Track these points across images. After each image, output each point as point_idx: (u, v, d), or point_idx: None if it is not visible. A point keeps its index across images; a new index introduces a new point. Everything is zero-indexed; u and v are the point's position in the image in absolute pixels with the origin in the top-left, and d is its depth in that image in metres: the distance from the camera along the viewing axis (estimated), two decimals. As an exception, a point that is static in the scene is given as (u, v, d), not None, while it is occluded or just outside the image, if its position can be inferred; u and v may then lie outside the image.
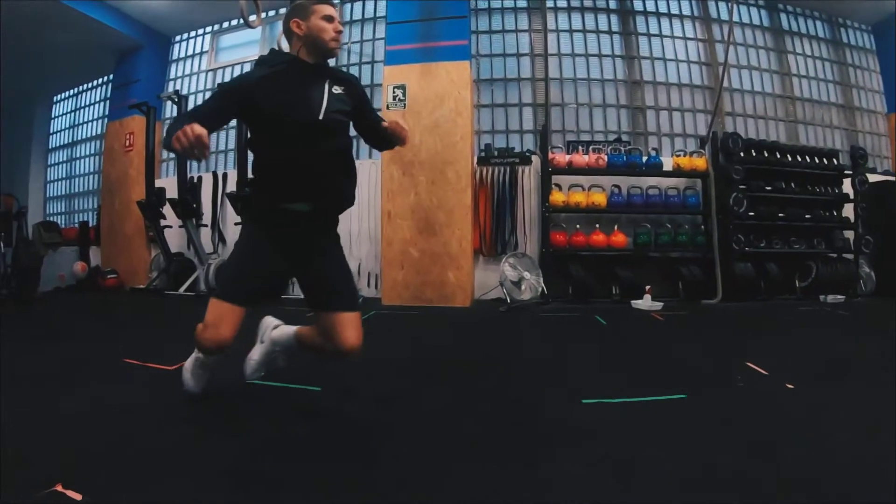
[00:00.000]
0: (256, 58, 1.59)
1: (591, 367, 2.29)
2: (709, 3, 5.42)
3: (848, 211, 4.96)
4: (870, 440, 1.30)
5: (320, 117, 1.45)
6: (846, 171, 5.00)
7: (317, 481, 1.13)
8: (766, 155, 4.80)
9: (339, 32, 1.50)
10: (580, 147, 4.64)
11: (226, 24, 6.05)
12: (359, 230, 4.97)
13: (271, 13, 5.69)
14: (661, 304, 4.09)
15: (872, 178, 5.11)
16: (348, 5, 5.61)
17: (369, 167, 4.85)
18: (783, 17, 5.66)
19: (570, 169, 4.52)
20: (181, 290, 5.13)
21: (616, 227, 4.51)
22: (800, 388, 1.80)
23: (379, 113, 1.71)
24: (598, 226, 4.52)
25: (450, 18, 4.48)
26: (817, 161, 4.97)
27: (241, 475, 1.15)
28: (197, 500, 1.05)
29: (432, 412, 1.60)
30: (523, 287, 4.25)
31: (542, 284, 4.30)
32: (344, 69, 4.18)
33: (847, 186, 4.96)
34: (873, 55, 5.84)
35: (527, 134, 5.07)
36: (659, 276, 4.52)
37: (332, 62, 1.63)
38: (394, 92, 4.52)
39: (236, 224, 5.14)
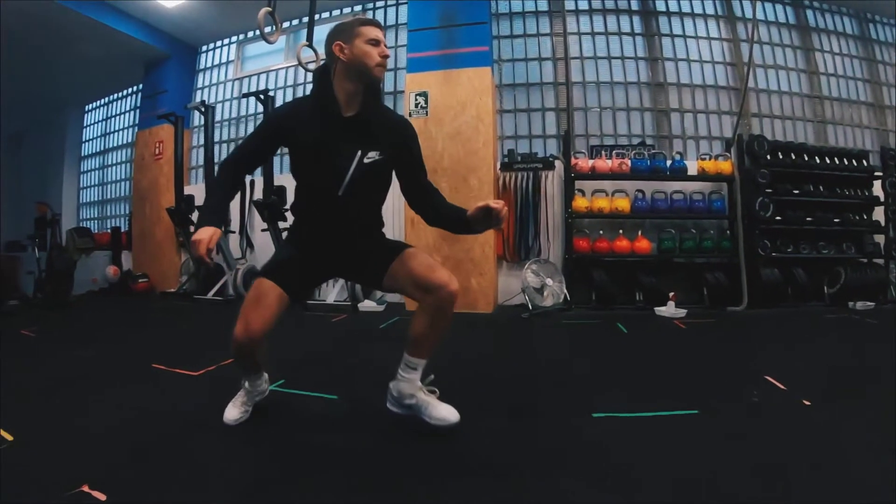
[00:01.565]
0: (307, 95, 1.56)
1: (606, 378, 2.29)
2: (733, 2, 5.33)
3: (879, 214, 4.84)
4: (880, 461, 1.29)
5: (339, 193, 1.43)
6: (876, 173, 4.89)
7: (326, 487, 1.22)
8: (793, 157, 4.73)
9: (385, 57, 1.42)
10: (603, 152, 4.62)
11: (251, 34, 6.16)
12: (382, 236, 5.07)
13: (294, 22, 5.78)
14: (685, 311, 4.06)
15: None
16: (369, 14, 5.67)
17: (392, 175, 4.91)
18: (809, 13, 5.53)
19: (594, 174, 4.52)
20: (209, 294, 5.28)
21: (640, 233, 4.49)
22: (816, 404, 1.78)
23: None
24: (621, 231, 4.51)
25: (470, 25, 4.51)
26: (846, 163, 4.88)
27: (255, 479, 1.27)
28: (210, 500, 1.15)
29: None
30: (545, 293, 4.27)
31: (565, 291, 4.31)
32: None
33: (878, 188, 4.85)
34: (904, 51, 5.68)
35: (550, 139, 5.08)
36: (684, 282, 4.48)
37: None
38: (416, 99, 4.57)
39: (263, 230, 5.27)
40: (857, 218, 4.85)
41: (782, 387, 2.00)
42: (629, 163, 4.49)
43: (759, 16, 5.40)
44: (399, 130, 1.50)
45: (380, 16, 5.62)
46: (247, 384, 1.65)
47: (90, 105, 7.79)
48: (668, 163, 4.57)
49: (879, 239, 4.83)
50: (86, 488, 1.16)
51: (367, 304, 4.52)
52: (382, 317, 4.12)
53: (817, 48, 5.47)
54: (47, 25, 5.18)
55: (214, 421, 1.62)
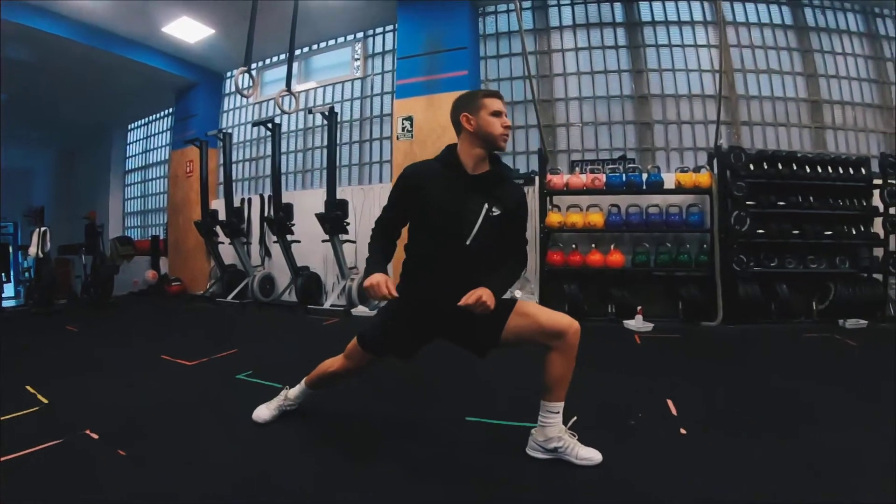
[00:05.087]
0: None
1: (508, 385, 2.44)
2: (722, 5, 5.24)
3: (879, 226, 4.59)
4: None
5: (468, 243, 1.53)
6: (876, 181, 4.70)
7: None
8: (780, 167, 4.64)
9: (508, 128, 1.55)
10: (577, 168, 4.80)
11: (268, 61, 6.73)
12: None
13: (275, 58, 6.28)
14: (652, 325, 4.18)
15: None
16: (370, 39, 6.06)
17: (379, 191, 5.34)
18: (808, 12, 5.34)
19: (569, 190, 4.70)
20: (229, 297, 5.94)
21: (613, 247, 4.64)
22: (693, 435, 1.81)
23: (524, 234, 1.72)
24: (593, 245, 4.67)
25: (451, 51, 4.80)
26: (841, 171, 4.69)
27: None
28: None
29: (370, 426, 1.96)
30: (520, 304, 4.55)
31: (537, 302, 4.57)
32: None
33: (878, 198, 4.60)
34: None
35: (533, 155, 5.29)
36: (659, 295, 4.60)
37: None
38: (402, 123, 4.94)
39: (275, 242, 5.85)
40: (853, 230, 4.63)
41: (674, 412, 2.04)
42: (603, 178, 4.64)
43: (752, 18, 5.31)
44: (518, 196, 1.64)
45: (370, 44, 6.00)
46: (291, 393, 1.96)
47: (132, 125, 8.74)
48: (645, 177, 4.66)
49: (879, 252, 4.58)
50: (87, 431, 1.81)
51: (361, 310, 4.98)
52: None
53: (816, 49, 5.30)
54: (91, 62, 5.99)
55: (194, 400, 2.26)
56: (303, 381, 1.94)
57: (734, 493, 1.40)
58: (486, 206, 1.52)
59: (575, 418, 1.67)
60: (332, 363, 1.83)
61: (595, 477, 1.52)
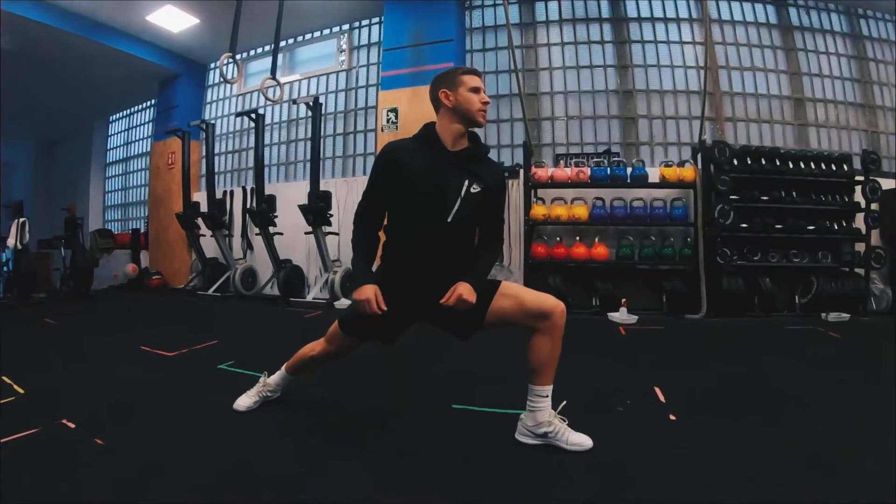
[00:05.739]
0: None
1: (492, 374, 2.44)
2: (708, 3, 5.28)
3: (862, 222, 4.61)
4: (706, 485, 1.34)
5: (449, 220, 1.51)
6: (858, 178, 4.74)
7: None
8: (763, 163, 4.67)
9: (486, 104, 1.55)
10: (561, 160, 4.78)
11: (252, 52, 6.65)
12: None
13: (259, 50, 6.25)
14: (637, 317, 4.17)
15: (893, 184, 4.81)
16: (356, 32, 6.02)
17: (363, 184, 5.26)
18: (792, 11, 5.39)
19: (553, 183, 4.68)
20: (210, 290, 5.83)
21: (597, 240, 4.63)
22: (682, 420, 1.81)
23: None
24: (578, 238, 4.65)
25: (436, 43, 4.77)
26: (824, 167, 4.74)
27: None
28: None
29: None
30: (503, 297, 4.51)
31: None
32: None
33: (860, 194, 4.65)
34: (898, 48, 5.46)
35: (518, 148, 5.26)
36: (644, 288, 4.59)
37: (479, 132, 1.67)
38: (387, 115, 4.89)
39: (257, 234, 5.76)
40: (835, 225, 4.68)
41: (662, 399, 2.04)
42: (588, 171, 4.62)
43: (737, 17, 5.36)
44: (497, 175, 1.63)
45: (356, 36, 5.96)
46: (271, 380, 1.92)
47: (114, 116, 8.60)
48: (629, 171, 4.66)
49: (861, 247, 4.62)
50: (64, 421, 1.76)
51: (343, 303, 4.91)
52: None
53: (800, 48, 5.35)
54: (73, 51, 5.87)
55: (174, 389, 2.23)
56: (283, 368, 1.92)
57: (724, 475, 1.39)
58: (466, 182, 1.51)
59: (564, 402, 1.64)
60: (313, 347, 1.80)
61: (586, 459, 1.50)
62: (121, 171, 8.40)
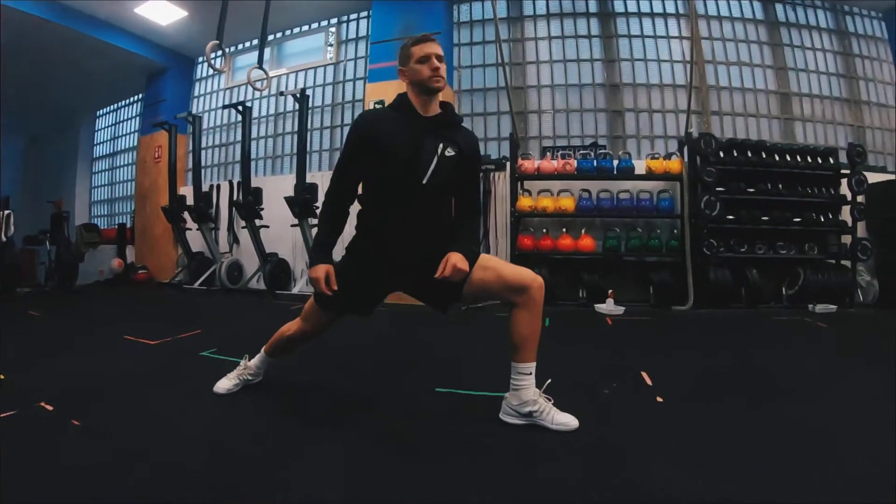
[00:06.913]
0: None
1: (479, 360, 2.46)
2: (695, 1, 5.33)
3: (848, 214, 4.66)
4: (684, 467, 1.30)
5: (424, 182, 1.51)
6: (844, 171, 4.77)
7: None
8: (749, 155, 4.68)
9: (435, 69, 1.52)
10: (548, 153, 4.77)
11: (240, 46, 6.62)
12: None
13: (247, 44, 6.29)
14: (624, 308, 4.15)
15: (879, 177, 4.84)
16: (343, 25, 6.01)
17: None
18: (779, 7, 5.43)
19: (540, 175, 4.66)
20: (195, 284, 5.77)
21: (584, 231, 4.61)
22: (670, 403, 1.81)
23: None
24: (564, 230, 4.64)
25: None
26: (810, 161, 4.77)
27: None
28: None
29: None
30: (489, 288, 4.47)
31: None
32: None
33: (846, 187, 4.67)
34: (884, 44, 5.49)
35: (505, 141, 5.26)
36: (631, 280, 4.58)
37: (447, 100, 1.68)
38: (374, 107, 4.86)
39: (243, 228, 5.71)
40: (821, 218, 4.72)
41: (650, 383, 2.06)
42: (574, 163, 4.61)
43: (724, 12, 5.39)
44: (471, 141, 1.64)
45: (344, 30, 5.95)
46: (251, 363, 1.92)
47: (101, 111, 8.53)
48: (616, 163, 4.65)
49: (847, 239, 4.66)
50: (42, 404, 1.75)
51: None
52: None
53: (787, 43, 5.38)
54: (61, 43, 5.82)
55: (154, 374, 2.22)
56: (262, 350, 1.92)
57: (711, 453, 1.38)
58: (441, 145, 1.52)
59: (549, 381, 1.61)
60: (290, 327, 1.80)
61: (571, 440, 1.48)
62: (108, 166, 8.31)
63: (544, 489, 1.19)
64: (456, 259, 1.46)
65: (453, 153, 1.53)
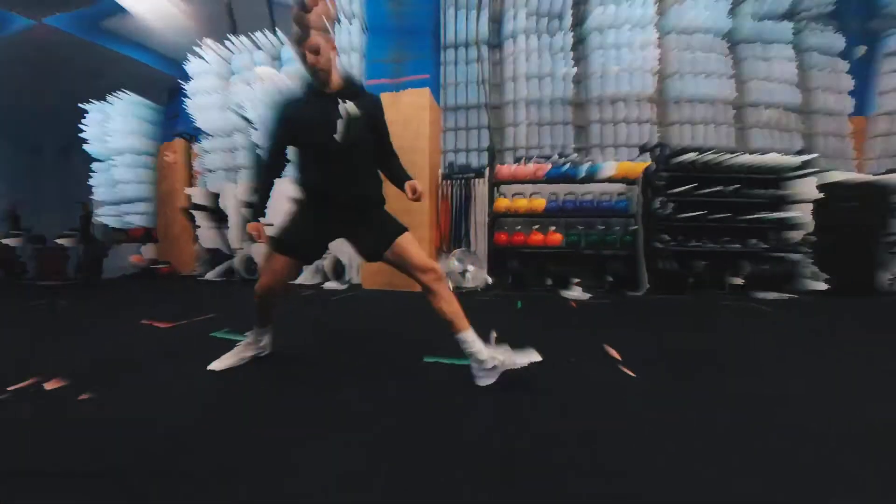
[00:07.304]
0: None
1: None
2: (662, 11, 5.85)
3: (794, 211, 5.14)
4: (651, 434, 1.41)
5: (338, 139, 1.77)
6: (788, 175, 5.29)
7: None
8: (700, 159, 5.22)
9: (309, 47, 1.71)
10: (523, 160, 5.40)
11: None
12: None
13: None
14: (589, 294, 4.72)
15: (829, 178, 5.34)
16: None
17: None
18: (743, 21, 5.96)
19: (515, 180, 5.30)
20: (208, 275, 6.44)
21: (553, 228, 5.23)
22: (642, 375, 1.93)
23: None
24: (535, 227, 5.27)
25: (415, 58, 5.41)
26: (758, 164, 5.30)
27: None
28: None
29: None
30: (468, 277, 5.10)
31: (487, 276, 5.13)
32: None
33: (795, 188, 5.18)
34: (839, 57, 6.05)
35: (484, 152, 5.88)
36: (591, 270, 5.18)
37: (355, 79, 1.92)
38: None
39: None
40: (769, 215, 5.21)
41: (617, 356, 2.22)
42: (546, 168, 5.24)
43: (688, 25, 5.92)
44: (373, 101, 1.90)
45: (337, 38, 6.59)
46: (249, 335, 2.13)
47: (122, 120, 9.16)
48: (583, 169, 5.26)
49: (793, 235, 5.14)
50: (45, 385, 1.88)
51: (331, 284, 5.48)
52: (342, 293, 4.98)
53: (748, 56, 5.93)
54: (92, 59, 6.53)
55: (163, 352, 2.41)
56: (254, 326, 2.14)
57: (672, 414, 1.56)
58: (346, 109, 1.79)
59: (494, 333, 1.84)
60: (256, 288, 1.99)
61: (547, 401, 1.66)
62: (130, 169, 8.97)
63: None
64: (414, 183, 1.87)
65: (357, 113, 1.79)
